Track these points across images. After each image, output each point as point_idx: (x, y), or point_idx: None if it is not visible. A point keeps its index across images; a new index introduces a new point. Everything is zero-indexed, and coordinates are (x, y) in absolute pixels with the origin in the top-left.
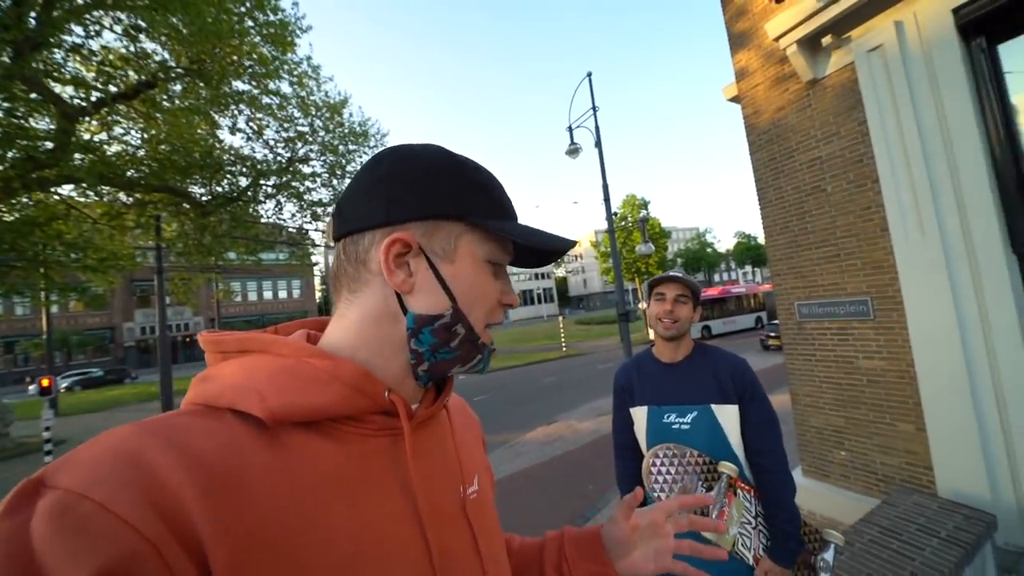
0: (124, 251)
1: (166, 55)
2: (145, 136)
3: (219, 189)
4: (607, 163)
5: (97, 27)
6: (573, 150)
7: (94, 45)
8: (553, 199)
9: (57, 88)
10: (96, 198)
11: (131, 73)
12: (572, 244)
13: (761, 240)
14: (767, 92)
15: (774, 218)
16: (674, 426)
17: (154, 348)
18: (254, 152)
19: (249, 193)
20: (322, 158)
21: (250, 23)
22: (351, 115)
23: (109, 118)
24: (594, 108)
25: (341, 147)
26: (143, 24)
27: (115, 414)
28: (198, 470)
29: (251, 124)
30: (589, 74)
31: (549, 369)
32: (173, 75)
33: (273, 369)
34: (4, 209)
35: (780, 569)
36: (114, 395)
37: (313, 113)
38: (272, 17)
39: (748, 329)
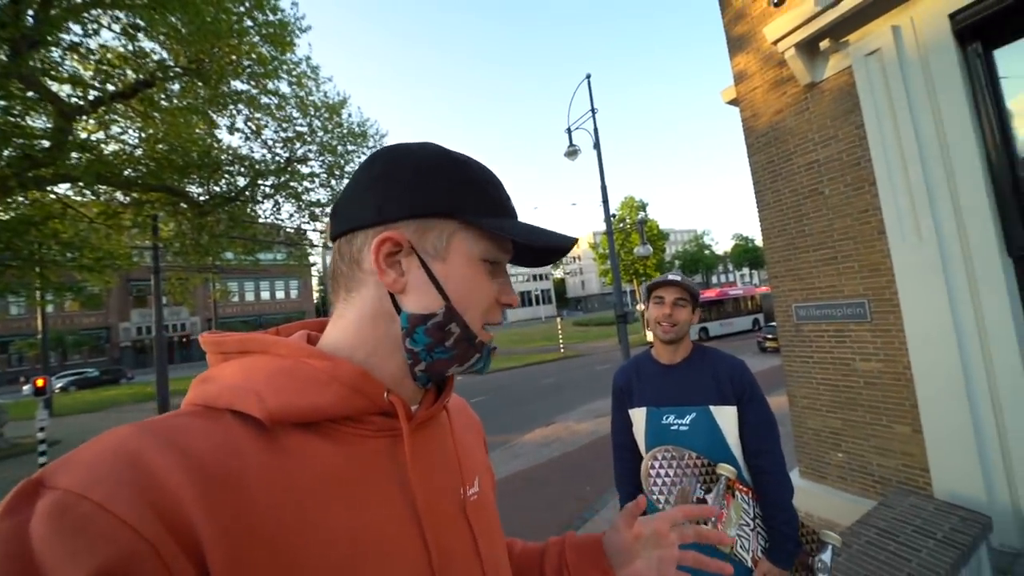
0: (120, 250)
1: (164, 54)
2: (143, 135)
3: (217, 189)
4: (606, 165)
5: (95, 26)
6: (572, 152)
7: (92, 44)
8: (552, 201)
9: (54, 87)
10: (93, 197)
11: (129, 72)
12: (572, 241)
13: (759, 242)
14: (765, 95)
15: (772, 220)
16: (673, 427)
17: (150, 348)
18: (252, 152)
19: (247, 193)
20: (320, 158)
21: (249, 23)
22: (350, 115)
23: (107, 117)
24: (593, 110)
25: (340, 147)
26: (142, 23)
27: (110, 415)
28: (197, 471)
29: (249, 124)
30: (588, 76)
31: (547, 370)
32: (171, 74)
33: (272, 370)
34: (0, 208)
35: (778, 570)
36: (110, 395)
37: (312, 113)
38: (271, 17)
39: (745, 331)
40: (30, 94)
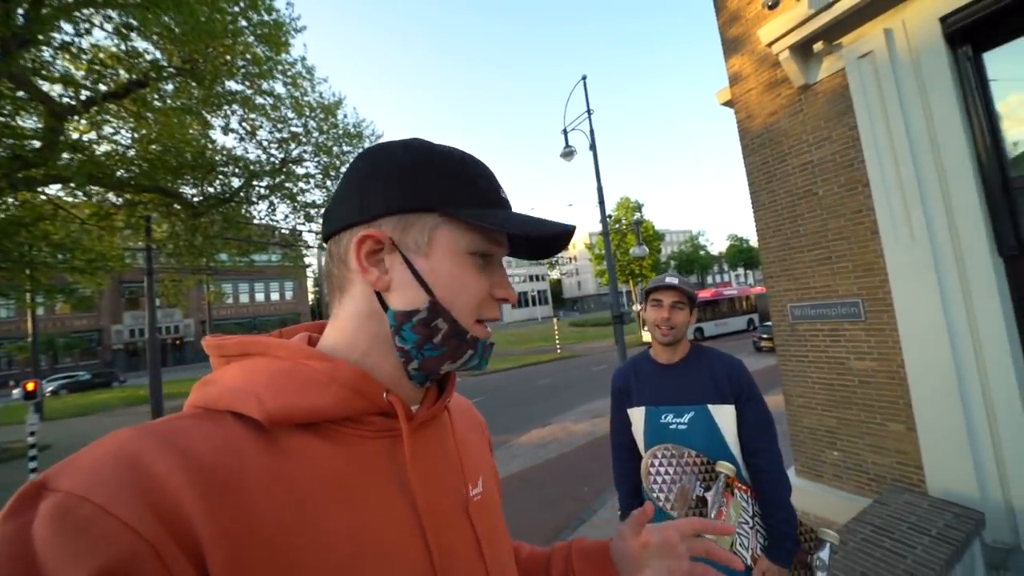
0: (113, 252)
1: (158, 54)
2: (136, 136)
3: (211, 190)
4: (602, 165)
5: (87, 25)
6: (568, 153)
7: (84, 43)
8: (548, 201)
9: (45, 86)
10: (85, 198)
11: (122, 72)
12: (571, 228)
13: (754, 243)
14: (760, 97)
15: (767, 221)
16: (671, 426)
17: (143, 351)
18: (247, 153)
19: (241, 194)
20: (316, 159)
21: (244, 23)
22: (345, 116)
23: (99, 117)
24: (588, 111)
25: (335, 148)
26: (135, 23)
27: (102, 419)
28: (197, 472)
29: (244, 124)
30: (583, 78)
31: (543, 371)
32: (165, 74)
33: (272, 371)
34: None
35: (777, 568)
36: (102, 399)
37: (307, 114)
38: (266, 17)
39: (740, 331)
40: (20, 94)
